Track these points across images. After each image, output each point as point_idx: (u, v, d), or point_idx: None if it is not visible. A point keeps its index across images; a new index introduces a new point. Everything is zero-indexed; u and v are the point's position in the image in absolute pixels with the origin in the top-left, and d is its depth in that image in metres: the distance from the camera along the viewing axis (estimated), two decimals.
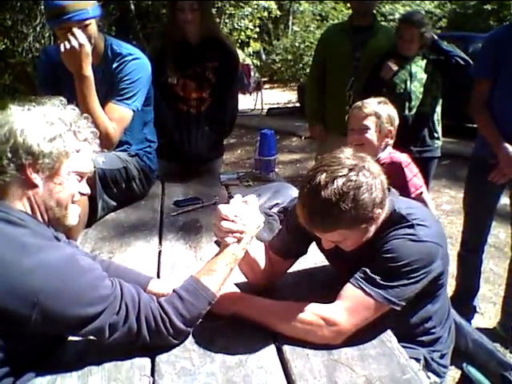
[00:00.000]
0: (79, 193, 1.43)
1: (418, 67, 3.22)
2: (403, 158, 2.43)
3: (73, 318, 1.24)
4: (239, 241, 1.46)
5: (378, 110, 2.33)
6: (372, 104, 2.36)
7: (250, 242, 1.52)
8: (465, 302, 3.04)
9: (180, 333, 1.37)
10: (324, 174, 1.38)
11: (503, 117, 2.69)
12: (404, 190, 2.36)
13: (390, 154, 2.42)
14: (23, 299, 1.18)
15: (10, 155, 1.29)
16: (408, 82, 3.20)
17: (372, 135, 2.34)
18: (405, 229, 1.49)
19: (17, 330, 1.22)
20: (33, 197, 1.34)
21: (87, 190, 1.47)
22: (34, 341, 1.28)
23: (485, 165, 2.74)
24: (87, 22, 2.30)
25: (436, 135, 3.33)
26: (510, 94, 2.67)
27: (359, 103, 2.40)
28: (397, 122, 2.40)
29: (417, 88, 3.21)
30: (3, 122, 1.31)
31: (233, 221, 1.44)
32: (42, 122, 1.33)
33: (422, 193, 2.42)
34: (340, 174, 1.38)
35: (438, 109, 3.33)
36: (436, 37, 3.22)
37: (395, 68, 3.18)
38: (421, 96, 3.22)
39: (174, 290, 1.40)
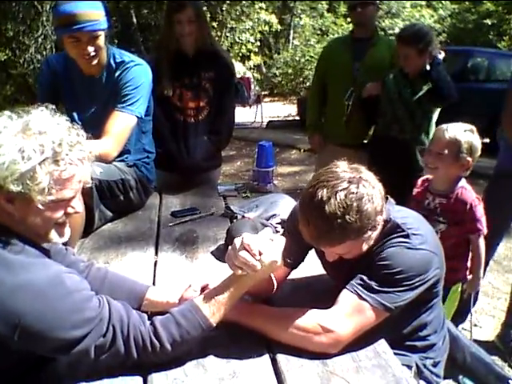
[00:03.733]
0: (66, 213, 1.33)
1: (408, 90, 3.11)
2: (473, 196, 2.35)
3: (56, 341, 1.20)
4: (249, 276, 1.41)
5: (461, 138, 2.27)
6: (457, 130, 2.30)
7: (262, 277, 1.47)
8: (461, 313, 3.03)
9: (168, 355, 1.33)
10: (325, 190, 1.38)
11: None
12: (467, 227, 2.34)
13: (461, 188, 2.36)
14: (5, 319, 1.15)
15: None
16: (394, 104, 3.16)
17: (447, 162, 2.30)
18: (400, 237, 1.50)
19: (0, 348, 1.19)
20: (11, 220, 1.26)
21: (77, 209, 1.36)
22: (20, 359, 1.25)
23: (508, 178, 2.70)
24: (98, 33, 2.31)
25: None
26: None
27: (444, 126, 2.35)
28: (478, 154, 2.32)
29: (399, 111, 3.16)
30: None
31: (253, 254, 1.38)
32: (13, 153, 1.19)
33: (479, 236, 2.37)
34: (340, 187, 1.38)
35: (423, 138, 3.16)
36: (440, 54, 3.05)
37: (368, 93, 3.18)
38: (404, 121, 3.15)
39: (171, 313, 1.36)
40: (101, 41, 2.35)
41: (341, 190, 1.38)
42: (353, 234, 1.41)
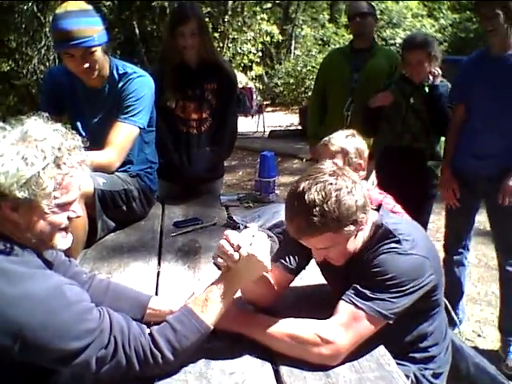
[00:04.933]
0: (68, 218, 1.35)
1: (418, 96, 3.10)
2: (375, 193, 2.35)
3: (57, 352, 1.20)
4: (229, 269, 1.41)
5: (345, 146, 2.30)
6: (339, 140, 2.33)
7: (249, 276, 1.47)
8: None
9: (171, 365, 1.33)
10: (306, 182, 1.46)
11: (477, 138, 2.79)
12: None
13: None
14: (5, 330, 1.15)
15: None
16: (403, 113, 3.12)
17: None
18: (391, 243, 1.52)
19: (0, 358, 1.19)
20: (15, 228, 1.27)
21: (78, 213, 1.39)
22: (22, 370, 1.25)
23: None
24: (93, 49, 2.33)
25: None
26: (482, 117, 2.76)
27: (326, 139, 2.38)
28: (366, 153, 2.37)
29: (411, 120, 3.12)
30: None
31: (231, 244, 1.40)
32: (16, 161, 1.21)
33: None
34: (321, 179, 1.45)
35: (421, 146, 3.14)
36: (438, 77, 3.00)
37: (379, 103, 3.14)
38: (416, 129, 3.11)
39: (167, 320, 1.36)
40: (96, 56, 2.37)
41: (321, 182, 1.44)
42: (332, 223, 1.43)
